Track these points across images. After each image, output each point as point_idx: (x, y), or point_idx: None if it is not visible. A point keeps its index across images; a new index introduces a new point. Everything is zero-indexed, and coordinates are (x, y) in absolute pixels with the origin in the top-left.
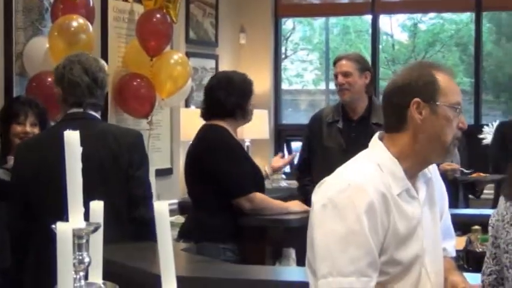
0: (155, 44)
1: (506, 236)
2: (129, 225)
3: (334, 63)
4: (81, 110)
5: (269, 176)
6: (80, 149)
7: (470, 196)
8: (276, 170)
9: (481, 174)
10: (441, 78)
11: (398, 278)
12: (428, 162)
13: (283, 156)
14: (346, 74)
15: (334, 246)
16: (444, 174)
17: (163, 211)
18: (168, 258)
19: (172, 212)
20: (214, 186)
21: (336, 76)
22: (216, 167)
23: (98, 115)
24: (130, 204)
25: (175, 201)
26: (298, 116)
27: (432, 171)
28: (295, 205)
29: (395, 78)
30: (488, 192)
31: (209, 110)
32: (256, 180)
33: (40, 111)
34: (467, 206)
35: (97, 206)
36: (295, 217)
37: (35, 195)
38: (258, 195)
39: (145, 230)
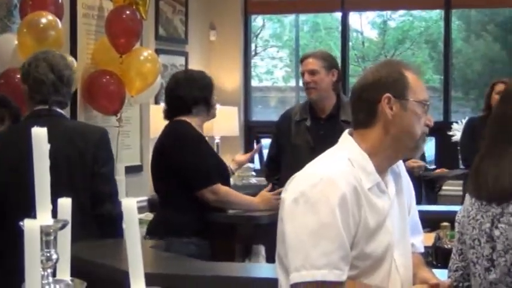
0: (124, 41)
1: (472, 232)
2: (94, 222)
3: (301, 62)
4: (46, 107)
5: (234, 171)
6: (47, 146)
7: (440, 193)
8: (240, 165)
9: (445, 170)
10: (409, 75)
11: (368, 272)
12: (398, 157)
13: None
14: (312, 72)
15: (307, 239)
16: (411, 172)
17: (132, 208)
18: (136, 255)
19: (141, 209)
20: (180, 180)
21: (302, 74)
22: (181, 160)
23: (63, 112)
24: (96, 201)
25: (145, 198)
26: (268, 112)
27: (400, 167)
28: (264, 200)
29: (364, 75)
30: (457, 188)
31: (172, 109)
32: (221, 174)
33: (15, 110)
34: (431, 203)
35: (65, 203)
36: (264, 214)
37: (2, 193)
38: (223, 188)
39: (112, 227)
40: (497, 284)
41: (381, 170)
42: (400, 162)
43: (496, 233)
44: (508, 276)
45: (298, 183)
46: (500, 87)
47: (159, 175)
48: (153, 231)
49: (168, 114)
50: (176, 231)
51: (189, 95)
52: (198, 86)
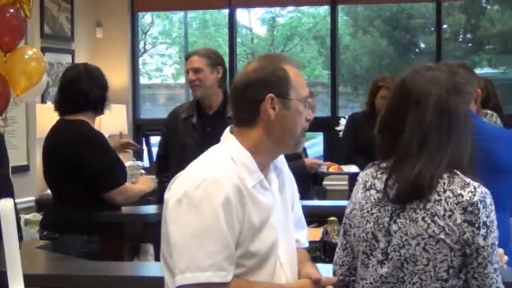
0: (8, 40)
1: (365, 225)
2: None
3: (186, 60)
4: None
5: None
6: None
7: (328, 188)
8: None
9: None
10: (292, 72)
11: (254, 270)
12: (279, 154)
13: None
14: (196, 71)
15: (191, 241)
16: (309, 169)
17: (9, 209)
18: (14, 255)
19: (29, 210)
20: (85, 181)
21: (187, 72)
22: (85, 162)
23: None
24: None
25: (33, 198)
26: (157, 110)
27: (281, 162)
28: (144, 183)
29: (245, 71)
30: (344, 183)
31: (69, 103)
32: (124, 172)
33: None
34: (319, 198)
35: None
36: (152, 212)
37: None
38: (129, 186)
39: None
40: (388, 277)
41: (263, 167)
42: (281, 157)
43: (394, 227)
44: (400, 271)
45: (181, 184)
46: (384, 92)
47: (56, 175)
48: (51, 226)
49: (62, 107)
50: (76, 227)
51: (91, 91)
52: (98, 83)
